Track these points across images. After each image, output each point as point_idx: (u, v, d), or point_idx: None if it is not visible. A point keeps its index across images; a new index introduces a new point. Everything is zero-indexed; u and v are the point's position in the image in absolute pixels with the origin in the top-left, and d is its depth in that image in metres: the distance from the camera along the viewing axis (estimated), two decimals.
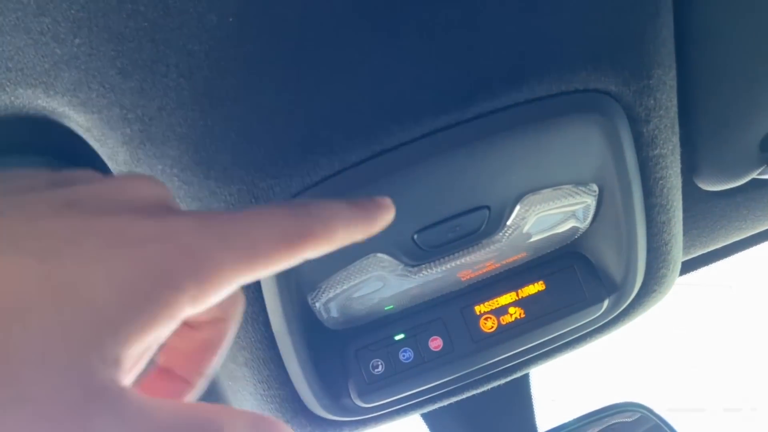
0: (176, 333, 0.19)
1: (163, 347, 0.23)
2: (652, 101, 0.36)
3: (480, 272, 0.44)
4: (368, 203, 0.24)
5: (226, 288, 0.18)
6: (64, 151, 0.36)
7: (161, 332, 0.17)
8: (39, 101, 0.32)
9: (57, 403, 0.15)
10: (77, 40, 0.30)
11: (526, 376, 0.58)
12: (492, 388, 0.50)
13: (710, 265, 0.58)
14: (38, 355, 0.15)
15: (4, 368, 0.15)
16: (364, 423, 0.47)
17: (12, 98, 0.32)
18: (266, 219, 0.20)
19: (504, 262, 0.44)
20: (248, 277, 0.19)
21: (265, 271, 0.19)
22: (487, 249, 0.41)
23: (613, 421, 0.61)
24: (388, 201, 0.25)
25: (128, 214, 0.18)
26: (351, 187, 0.34)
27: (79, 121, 0.33)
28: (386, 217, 0.24)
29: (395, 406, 0.46)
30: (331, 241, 0.21)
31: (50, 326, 0.15)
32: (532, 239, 0.43)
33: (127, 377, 0.17)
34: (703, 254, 0.55)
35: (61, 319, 0.15)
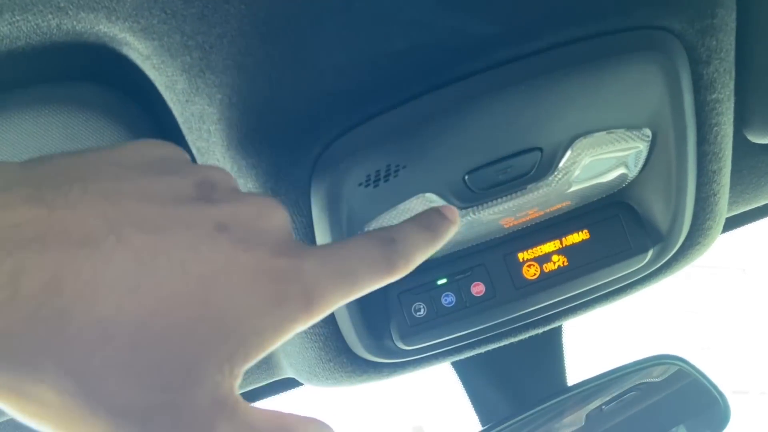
0: None
1: None
2: (714, 42, 0.35)
3: (523, 220, 0.44)
4: (436, 220, 0.27)
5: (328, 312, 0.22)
6: (120, 80, 0.36)
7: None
8: (100, 26, 0.32)
9: (194, 410, 0.18)
10: None
11: (559, 329, 0.58)
12: (525, 339, 0.50)
13: (753, 222, 0.58)
14: (188, 368, 0.18)
15: (163, 377, 0.17)
16: (403, 366, 0.47)
17: (74, 22, 0.32)
18: (363, 255, 0.24)
19: (548, 210, 0.44)
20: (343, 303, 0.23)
21: (354, 297, 0.23)
22: (536, 193, 0.41)
23: (641, 380, 0.61)
24: (453, 212, 0.28)
25: (267, 249, 0.21)
26: (408, 121, 0.34)
27: (139, 48, 0.33)
28: (452, 230, 0.28)
29: (435, 350, 0.46)
30: (409, 268, 0.25)
31: (199, 345, 0.18)
32: (578, 187, 0.42)
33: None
34: (745, 211, 0.54)
35: (209, 339, 0.18)
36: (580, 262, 0.44)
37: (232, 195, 0.22)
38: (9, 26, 0.31)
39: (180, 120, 0.36)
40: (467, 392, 0.60)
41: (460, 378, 0.60)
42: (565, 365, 0.59)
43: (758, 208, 0.55)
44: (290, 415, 0.21)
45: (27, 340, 0.16)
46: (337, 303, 0.22)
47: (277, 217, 0.23)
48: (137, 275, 0.18)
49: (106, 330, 0.17)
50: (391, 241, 0.25)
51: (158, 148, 0.23)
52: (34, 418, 0.17)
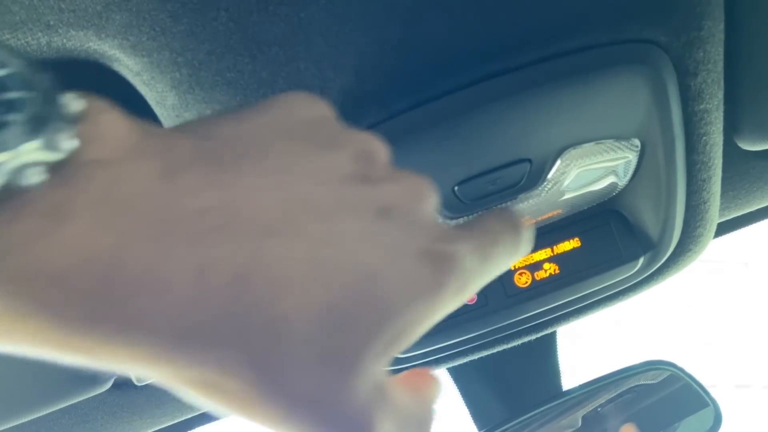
0: None
1: None
2: (701, 53, 0.35)
3: None
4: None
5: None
6: (112, 96, 0.36)
7: None
8: (90, 43, 0.32)
9: (357, 398, 0.18)
10: None
11: (553, 334, 0.59)
12: (519, 345, 0.51)
13: (744, 227, 0.58)
14: (353, 359, 0.18)
15: (332, 369, 0.18)
16: (395, 374, 0.48)
17: (64, 40, 0.32)
18: (502, 241, 0.24)
19: (539, 219, 0.44)
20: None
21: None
22: (526, 203, 0.41)
23: (637, 383, 0.61)
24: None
25: (426, 234, 0.21)
26: (395, 136, 0.35)
27: (129, 64, 0.33)
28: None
29: (426, 358, 0.47)
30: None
31: (365, 336, 0.18)
32: (569, 196, 0.43)
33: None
34: (737, 217, 0.55)
35: (374, 330, 0.18)
36: (572, 270, 0.44)
37: (389, 173, 0.22)
38: None
39: None
40: (463, 396, 0.61)
41: (455, 382, 0.61)
42: (560, 369, 0.59)
43: (750, 212, 0.55)
44: (410, 374, 0.23)
45: (215, 336, 0.16)
46: (480, 287, 0.23)
47: (431, 199, 0.23)
48: (314, 268, 0.18)
49: (286, 325, 0.17)
50: (518, 227, 0.25)
51: (310, 109, 0.23)
52: (215, 404, 0.18)
